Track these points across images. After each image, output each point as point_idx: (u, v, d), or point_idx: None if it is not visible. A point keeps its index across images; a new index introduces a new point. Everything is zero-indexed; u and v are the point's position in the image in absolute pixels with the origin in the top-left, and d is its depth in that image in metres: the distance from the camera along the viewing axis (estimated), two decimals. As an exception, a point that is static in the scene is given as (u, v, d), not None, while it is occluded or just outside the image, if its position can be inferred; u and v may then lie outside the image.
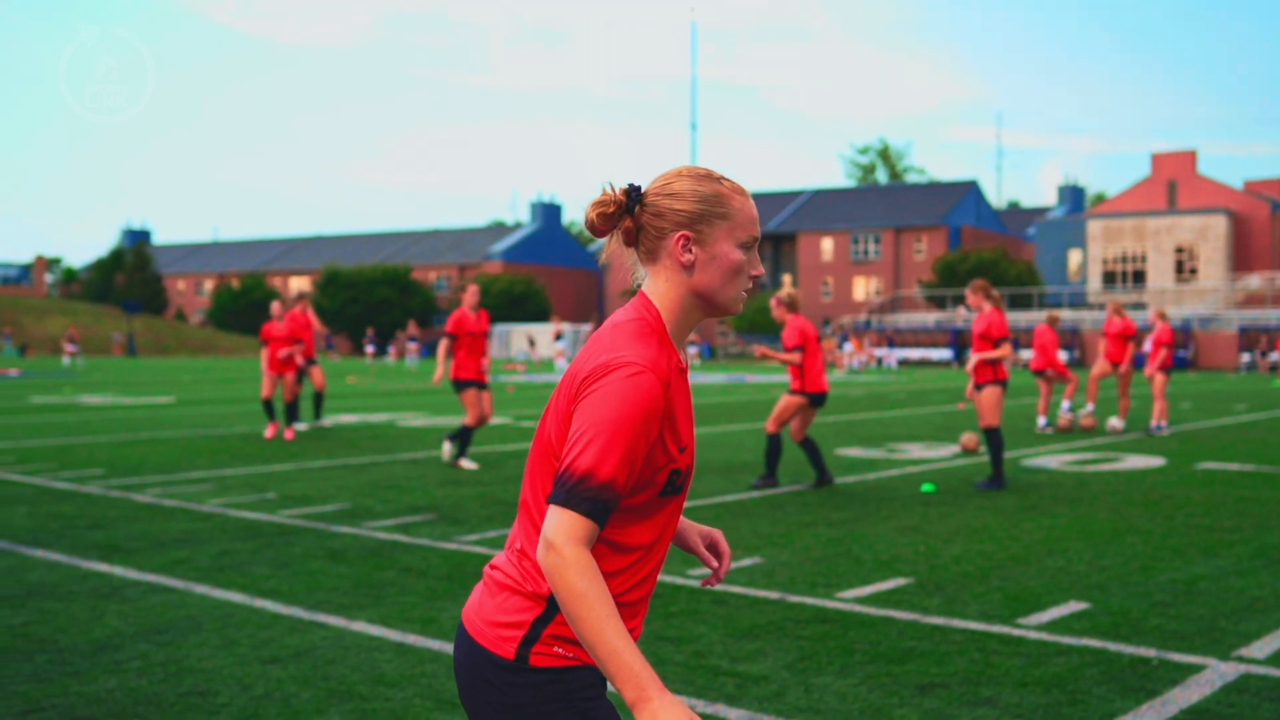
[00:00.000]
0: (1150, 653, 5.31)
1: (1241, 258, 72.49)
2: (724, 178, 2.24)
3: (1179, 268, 71.81)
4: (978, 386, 10.97)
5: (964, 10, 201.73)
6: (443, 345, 12.48)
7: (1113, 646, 5.42)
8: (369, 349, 62.07)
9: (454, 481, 11.25)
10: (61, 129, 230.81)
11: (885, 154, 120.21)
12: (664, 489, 2.13)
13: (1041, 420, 17.15)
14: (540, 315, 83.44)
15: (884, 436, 16.26)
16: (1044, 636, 5.59)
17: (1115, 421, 16.90)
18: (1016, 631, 5.69)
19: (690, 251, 2.18)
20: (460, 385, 12.46)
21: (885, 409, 22.76)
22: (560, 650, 2.10)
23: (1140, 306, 66.58)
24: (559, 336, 48.65)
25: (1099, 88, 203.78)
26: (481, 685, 2.13)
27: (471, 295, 12.59)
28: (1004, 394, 10.93)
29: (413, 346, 56.21)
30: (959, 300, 71.54)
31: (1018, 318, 63.45)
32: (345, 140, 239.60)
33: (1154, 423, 16.60)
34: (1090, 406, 17.56)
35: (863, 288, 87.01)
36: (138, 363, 61.76)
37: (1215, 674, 4.99)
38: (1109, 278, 73.26)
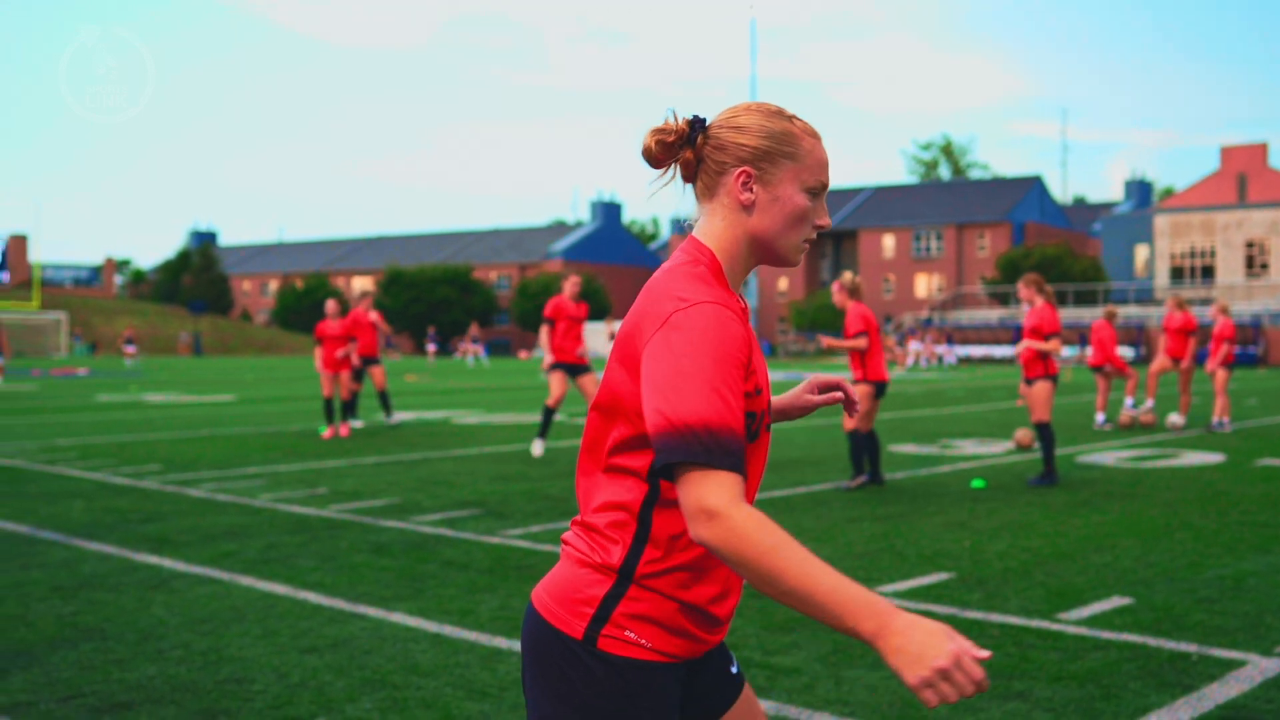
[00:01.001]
0: (1191, 648, 5.24)
1: (1314, 252, 70.99)
2: (796, 117, 2.09)
3: (1249, 263, 70.48)
4: (1028, 381, 10.85)
5: (1028, 4, 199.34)
6: (544, 331, 13.06)
7: (1152, 642, 5.34)
8: (430, 348, 62.60)
9: (503, 477, 11.32)
10: (132, 134, 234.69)
11: (948, 150, 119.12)
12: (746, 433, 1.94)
13: (1100, 417, 16.93)
14: (599, 314, 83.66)
15: (939, 433, 16.13)
16: (1083, 631, 5.53)
17: (1176, 418, 16.64)
18: (1055, 626, 5.63)
19: (750, 190, 2.03)
20: (551, 367, 13.00)
21: (942, 406, 22.57)
22: (632, 634, 1.94)
23: (1209, 302, 65.42)
24: (612, 337, 48.88)
25: (1167, 80, 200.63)
26: (545, 666, 1.98)
27: (573, 285, 13.22)
28: (1055, 389, 10.81)
29: (475, 347, 56.63)
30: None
31: (1082, 314, 62.62)
32: (408, 141, 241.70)
33: (1215, 419, 16.32)
34: (1150, 403, 17.30)
35: (925, 284, 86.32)
36: (202, 362, 62.73)
37: (1256, 670, 4.91)
38: (1176, 273, 72.06)
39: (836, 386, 2.44)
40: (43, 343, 71.89)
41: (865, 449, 10.43)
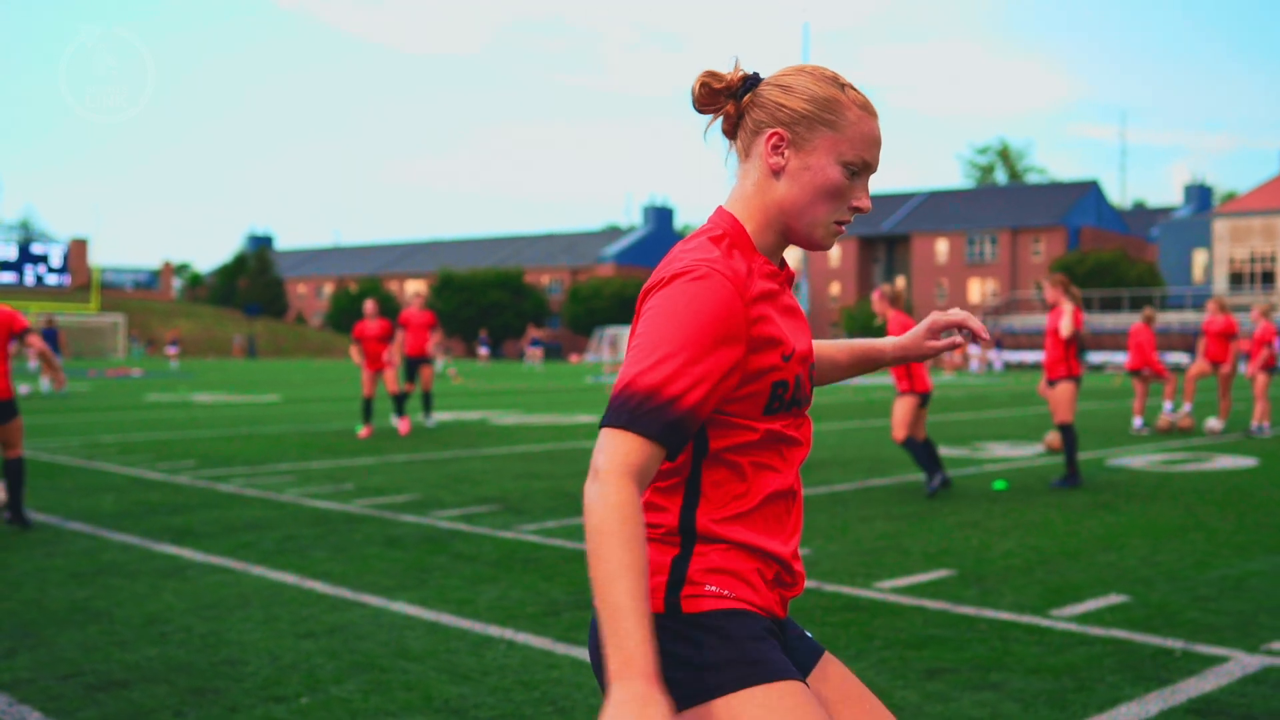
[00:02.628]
0: (1177, 644, 5.25)
1: (1377, 257, 69.70)
2: (851, 86, 1.95)
3: (1310, 268, 69.32)
4: (1051, 383, 10.83)
5: (1086, 7, 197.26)
6: None
7: (1139, 638, 5.36)
8: (482, 350, 63.02)
9: (527, 475, 11.45)
10: (193, 139, 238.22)
11: (1005, 154, 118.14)
12: (769, 405, 1.88)
13: (1138, 421, 16.79)
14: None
15: (973, 436, 16.08)
16: (1071, 627, 5.55)
17: (1214, 422, 16.46)
18: (1045, 622, 5.65)
19: (781, 154, 1.91)
20: None
21: (982, 409, 22.46)
22: (715, 587, 1.84)
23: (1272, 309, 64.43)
24: None
25: (1230, 83, 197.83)
26: None
27: None
28: (1078, 390, 10.76)
29: (536, 351, 57.01)
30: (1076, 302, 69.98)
31: (1136, 319, 61.92)
32: (463, 145, 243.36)
33: (1255, 424, 16.13)
34: (1187, 406, 17.13)
35: (978, 289, 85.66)
36: (254, 364, 63.55)
37: (1237, 666, 4.92)
38: (1235, 279, 71.03)
39: (959, 326, 2.30)
40: (100, 345, 73.17)
41: (925, 452, 10.13)
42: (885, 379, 35.95)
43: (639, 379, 1.73)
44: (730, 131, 1.99)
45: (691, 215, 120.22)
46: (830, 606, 5.98)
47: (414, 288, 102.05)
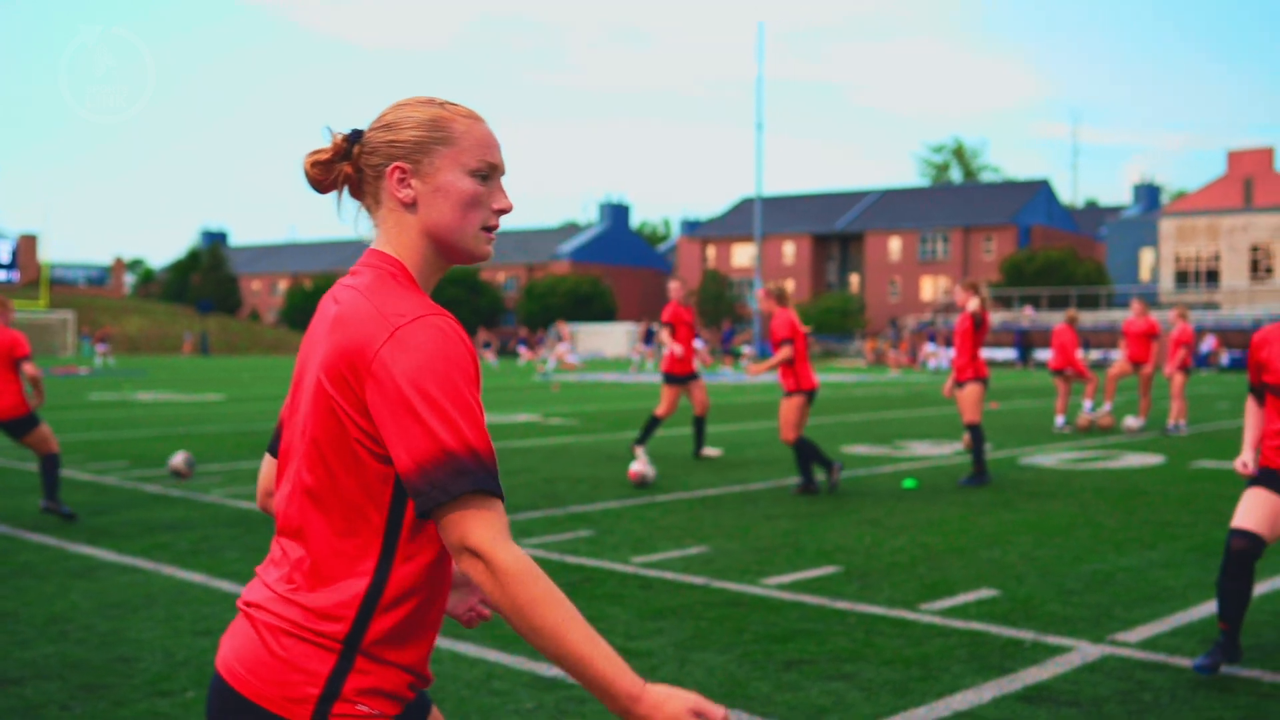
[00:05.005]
0: (1028, 635, 5.57)
1: (1319, 256, 70.98)
2: (450, 102, 2.00)
3: (1254, 267, 70.49)
4: (959, 384, 11.17)
5: (1045, 8, 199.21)
6: (664, 333, 13.14)
7: (995, 629, 5.68)
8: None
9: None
10: (145, 133, 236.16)
11: (959, 152, 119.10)
12: None
13: (1059, 420, 17.22)
14: (606, 315, 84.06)
15: (897, 434, 16.44)
16: (936, 620, 5.86)
17: (1132, 421, 16.92)
18: (912, 615, 5.96)
19: (409, 185, 1.93)
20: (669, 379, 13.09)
21: (915, 408, 22.87)
22: (366, 708, 1.82)
23: (1213, 306, 65.58)
24: (643, 337, 49.97)
25: (1185, 83, 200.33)
26: None
27: (679, 289, 13.40)
28: (985, 392, 11.12)
29: (487, 353, 57.25)
30: (1025, 300, 70.94)
31: (1085, 318, 62.73)
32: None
33: (1171, 423, 16.60)
34: (1107, 406, 17.59)
35: (930, 287, 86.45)
36: (205, 362, 63.23)
37: (1078, 655, 5.24)
38: (1181, 277, 72.10)
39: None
40: (51, 342, 72.56)
41: (812, 453, 10.29)
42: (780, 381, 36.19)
43: (447, 440, 1.73)
44: (356, 191, 2.01)
45: (647, 212, 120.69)
46: (711, 602, 6.27)
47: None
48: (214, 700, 1.89)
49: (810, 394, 10.44)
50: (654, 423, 12.62)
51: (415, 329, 1.79)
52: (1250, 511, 5.02)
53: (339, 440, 1.83)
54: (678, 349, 13.01)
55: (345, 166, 1.98)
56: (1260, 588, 6.56)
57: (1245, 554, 4.92)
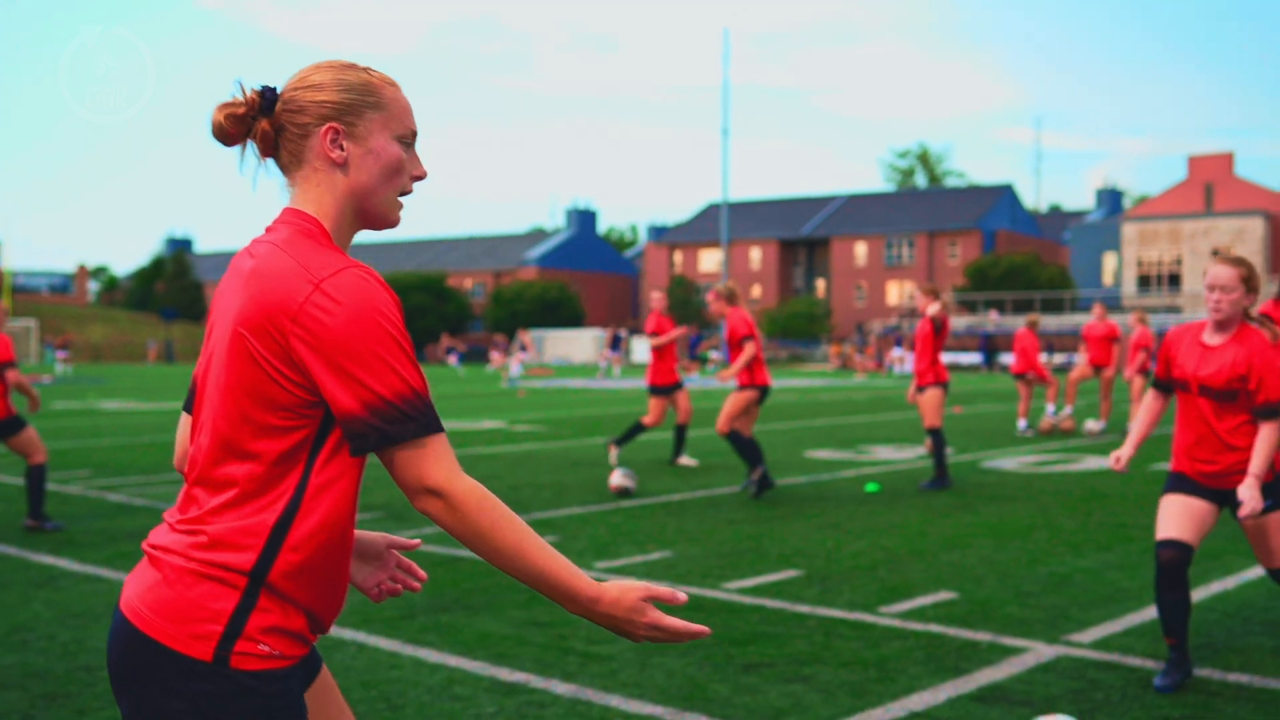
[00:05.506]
0: (985, 637, 5.65)
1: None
2: (371, 69, 2.03)
3: (1214, 271, 71.29)
4: (920, 389, 11.28)
5: (1012, 13, 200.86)
6: (661, 340, 13.11)
7: (952, 631, 5.76)
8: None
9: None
10: (111, 139, 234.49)
11: (924, 158, 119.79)
12: None
13: (1022, 423, 17.39)
14: (574, 321, 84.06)
15: (862, 439, 16.56)
16: (894, 623, 5.94)
17: (1093, 424, 17.12)
18: (870, 618, 6.04)
19: (341, 147, 1.96)
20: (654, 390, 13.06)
21: (880, 412, 23.02)
22: (267, 647, 1.85)
23: (1175, 310, 66.22)
24: (609, 344, 50.01)
25: (1148, 90, 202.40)
26: (160, 694, 1.82)
27: (661, 299, 13.49)
28: (945, 396, 11.24)
29: (452, 358, 57.22)
30: (990, 304, 71.45)
31: (1048, 322, 63.20)
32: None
33: (1131, 425, 16.77)
34: (1069, 409, 17.78)
35: (896, 292, 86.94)
36: (170, 369, 62.82)
37: (1033, 656, 5.33)
38: (1144, 281, 72.84)
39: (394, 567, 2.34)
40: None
41: (751, 449, 10.25)
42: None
43: (392, 386, 1.81)
44: (269, 148, 2.00)
45: (614, 218, 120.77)
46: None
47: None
48: (116, 641, 1.90)
49: (764, 390, 10.59)
50: (638, 429, 12.82)
51: (339, 280, 1.83)
52: (1172, 520, 4.95)
53: (256, 385, 1.86)
54: (678, 332, 13.08)
55: (263, 122, 1.98)
56: (1210, 588, 6.69)
57: (1176, 563, 4.84)
